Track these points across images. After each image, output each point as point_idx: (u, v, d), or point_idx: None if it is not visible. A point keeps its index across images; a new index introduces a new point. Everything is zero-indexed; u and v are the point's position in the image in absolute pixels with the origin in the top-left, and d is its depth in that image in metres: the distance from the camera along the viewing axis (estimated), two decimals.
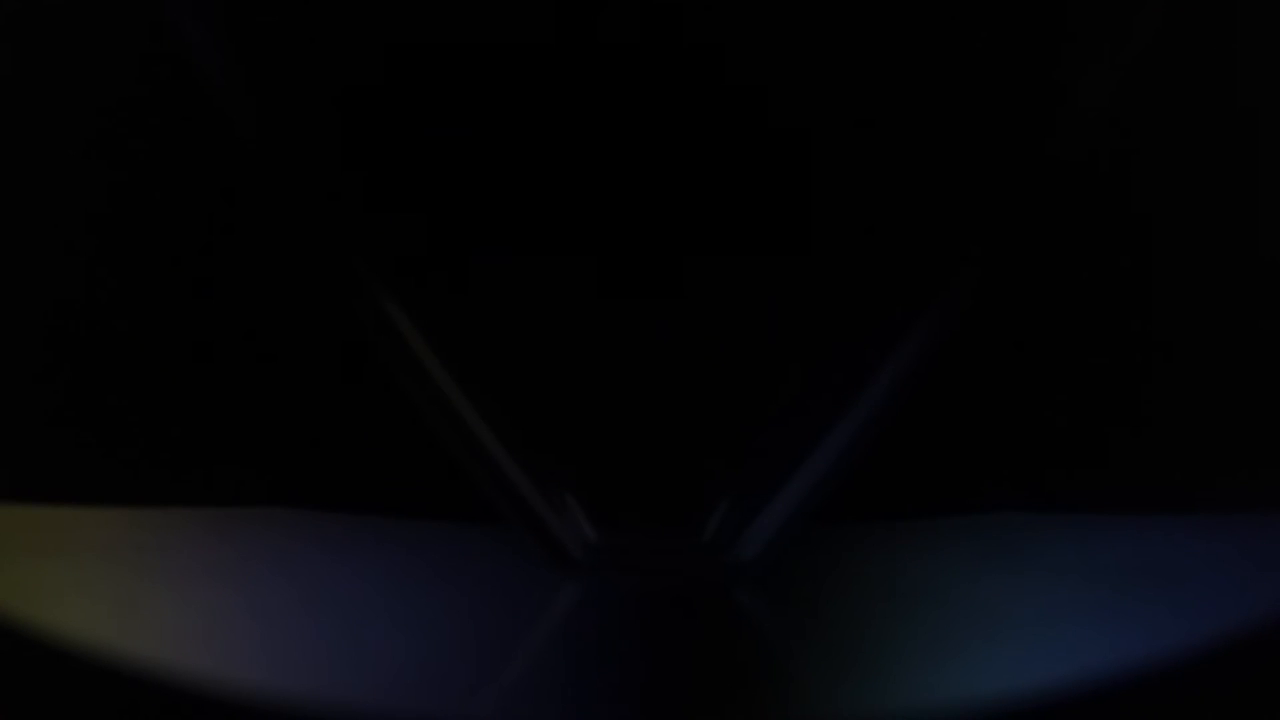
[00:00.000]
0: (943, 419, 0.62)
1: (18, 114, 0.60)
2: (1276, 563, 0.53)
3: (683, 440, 0.64)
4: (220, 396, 0.63)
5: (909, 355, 0.59)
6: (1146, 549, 0.58)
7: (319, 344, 0.62)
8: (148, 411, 0.62)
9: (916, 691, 0.40)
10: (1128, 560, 0.56)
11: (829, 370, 0.60)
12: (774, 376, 0.62)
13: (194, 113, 0.59)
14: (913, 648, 0.45)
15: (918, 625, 0.49)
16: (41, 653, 0.40)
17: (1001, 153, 0.60)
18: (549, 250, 0.62)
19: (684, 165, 0.62)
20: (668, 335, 0.62)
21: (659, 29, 0.58)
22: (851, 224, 0.62)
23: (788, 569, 0.59)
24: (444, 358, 0.59)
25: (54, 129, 0.61)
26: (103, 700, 0.39)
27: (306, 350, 0.63)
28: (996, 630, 0.46)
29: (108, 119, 0.62)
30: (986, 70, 0.59)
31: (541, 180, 0.61)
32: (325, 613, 0.50)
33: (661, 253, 0.63)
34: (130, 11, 0.59)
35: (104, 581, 0.51)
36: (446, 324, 0.60)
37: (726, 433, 0.64)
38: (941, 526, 0.62)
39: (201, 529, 0.61)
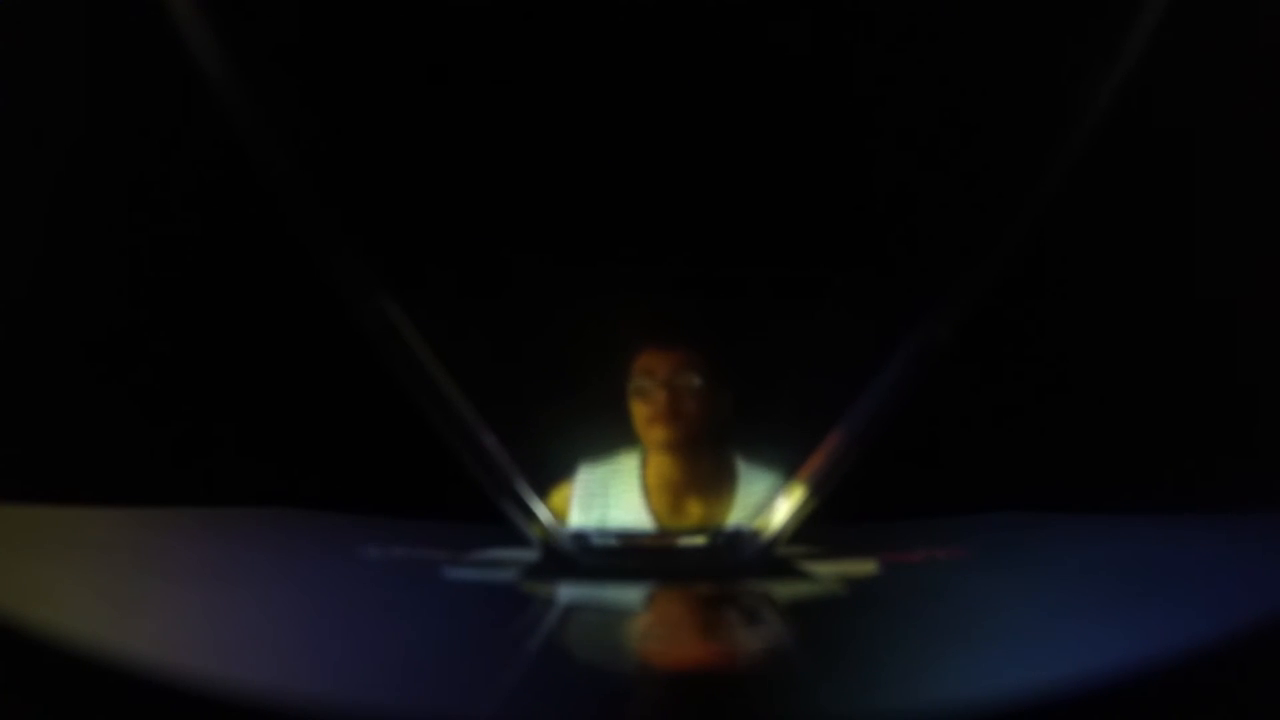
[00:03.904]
0: (943, 420, 0.62)
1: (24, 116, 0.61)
2: (1277, 563, 0.53)
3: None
4: (221, 397, 0.63)
5: (908, 357, 0.59)
6: (1146, 549, 0.58)
7: (319, 344, 0.62)
8: (148, 411, 0.63)
9: (916, 690, 0.40)
10: (1128, 560, 0.56)
11: (830, 372, 0.60)
12: (772, 375, 0.62)
13: (195, 115, 0.59)
14: (912, 647, 0.45)
15: (918, 625, 0.49)
16: (41, 653, 0.40)
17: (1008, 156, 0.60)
18: (547, 253, 0.62)
19: (684, 179, 0.62)
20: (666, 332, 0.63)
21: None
22: (851, 227, 0.63)
23: (788, 568, 0.59)
24: (444, 358, 0.59)
25: (53, 126, 0.62)
26: (103, 699, 0.39)
27: (307, 351, 0.63)
28: (996, 630, 0.46)
29: (107, 117, 0.62)
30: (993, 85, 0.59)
31: (536, 187, 0.62)
32: (325, 612, 0.50)
33: (658, 256, 0.63)
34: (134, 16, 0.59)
35: (104, 581, 0.51)
36: (446, 324, 0.60)
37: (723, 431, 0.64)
38: (941, 526, 0.62)
39: (201, 529, 0.61)
